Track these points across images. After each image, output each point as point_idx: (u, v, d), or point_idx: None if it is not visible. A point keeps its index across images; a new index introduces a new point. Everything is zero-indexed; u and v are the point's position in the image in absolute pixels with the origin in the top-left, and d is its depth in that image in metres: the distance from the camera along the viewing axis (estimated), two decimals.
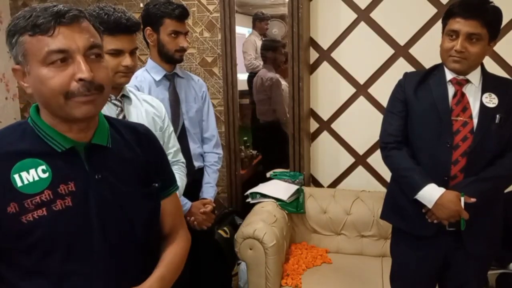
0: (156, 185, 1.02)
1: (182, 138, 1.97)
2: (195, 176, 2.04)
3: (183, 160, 1.78)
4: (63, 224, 0.86)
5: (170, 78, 1.98)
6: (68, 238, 0.87)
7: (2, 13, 3.14)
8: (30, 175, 0.85)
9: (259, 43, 3.64)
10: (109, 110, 1.52)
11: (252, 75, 3.61)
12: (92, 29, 0.90)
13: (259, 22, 3.61)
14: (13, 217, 0.83)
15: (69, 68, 0.85)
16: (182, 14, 1.89)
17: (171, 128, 1.73)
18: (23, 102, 3.29)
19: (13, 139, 0.88)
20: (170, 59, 1.94)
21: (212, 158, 2.12)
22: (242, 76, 3.29)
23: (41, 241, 0.84)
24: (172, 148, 1.72)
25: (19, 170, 0.85)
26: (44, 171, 0.86)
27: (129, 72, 1.49)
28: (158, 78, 1.94)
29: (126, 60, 1.45)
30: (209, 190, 2.07)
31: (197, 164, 2.06)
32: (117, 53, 1.44)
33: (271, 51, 3.35)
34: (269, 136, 3.29)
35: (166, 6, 1.88)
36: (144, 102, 1.64)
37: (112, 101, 1.54)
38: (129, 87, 1.92)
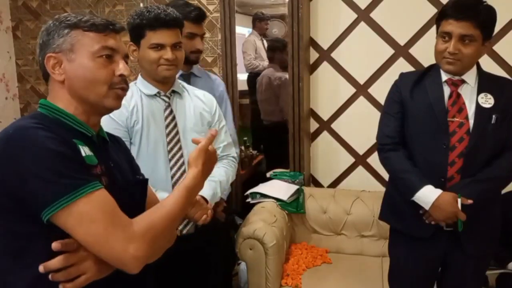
0: (140, 177, 1.16)
1: None
2: None
3: (234, 154, 1.80)
4: None
5: (186, 77, 2.02)
6: None
7: (2, 13, 3.14)
8: (85, 149, 0.94)
9: (258, 43, 3.64)
10: (157, 105, 1.59)
11: (252, 75, 3.60)
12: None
13: (259, 22, 3.61)
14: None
15: (111, 65, 1.00)
16: (197, 17, 1.91)
17: (223, 123, 1.76)
18: (23, 102, 3.30)
19: (49, 126, 0.91)
20: (185, 60, 1.97)
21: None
22: (242, 76, 3.30)
23: None
24: (222, 142, 1.74)
25: (79, 144, 0.93)
26: (90, 150, 0.95)
27: (172, 65, 1.55)
28: None
29: (167, 54, 1.52)
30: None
31: None
32: (158, 47, 1.52)
33: (278, 51, 3.36)
34: (273, 136, 3.28)
35: (183, 8, 1.90)
36: (195, 98, 1.68)
37: (161, 96, 1.60)
38: None
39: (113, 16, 2.96)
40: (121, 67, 1.01)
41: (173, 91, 1.63)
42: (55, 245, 0.86)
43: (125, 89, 1.03)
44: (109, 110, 1.04)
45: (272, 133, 3.32)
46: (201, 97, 1.71)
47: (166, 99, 1.60)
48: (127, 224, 0.88)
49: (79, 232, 0.85)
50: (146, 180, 1.16)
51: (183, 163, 1.58)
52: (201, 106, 1.67)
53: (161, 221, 0.93)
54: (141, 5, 2.90)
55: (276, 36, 3.70)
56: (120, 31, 1.04)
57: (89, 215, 0.84)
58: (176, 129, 1.59)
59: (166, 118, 1.59)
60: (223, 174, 1.70)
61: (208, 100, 1.73)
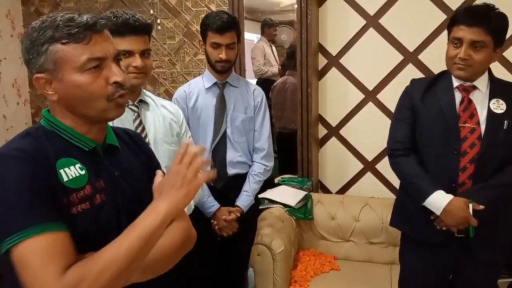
0: None
1: (221, 144, 2.02)
2: (228, 182, 2.04)
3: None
4: (103, 216, 0.92)
5: (221, 86, 2.04)
6: (106, 229, 0.91)
7: (15, 19, 3.20)
8: (72, 171, 0.90)
9: (267, 49, 3.65)
10: (126, 115, 1.53)
11: (260, 81, 3.60)
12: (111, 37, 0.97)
13: (267, 28, 3.62)
14: (66, 208, 0.87)
15: (103, 74, 0.92)
16: (220, 27, 1.91)
17: (189, 134, 1.74)
18: (34, 107, 3.34)
19: (41, 143, 0.90)
20: (213, 69, 2.01)
21: (257, 168, 2.10)
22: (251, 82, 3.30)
23: (84, 232, 0.88)
24: None
25: (62, 166, 0.89)
26: (81, 169, 0.91)
27: (141, 73, 1.49)
28: (208, 85, 2.03)
29: (136, 61, 1.45)
30: (243, 198, 2.06)
31: (233, 171, 2.05)
32: (126, 54, 1.45)
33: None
34: (287, 142, 3.24)
35: (211, 19, 1.92)
36: (162, 108, 1.65)
37: (130, 106, 1.55)
38: (179, 92, 2.01)
39: None
40: (114, 72, 0.92)
41: (141, 101, 1.57)
42: None
43: (124, 95, 0.94)
44: (112, 119, 0.98)
45: (287, 140, 3.29)
46: (168, 107, 1.66)
47: (135, 109, 1.54)
48: (58, 274, 0.79)
49: (20, 274, 0.81)
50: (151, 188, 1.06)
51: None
52: (169, 116, 1.63)
53: (98, 275, 0.80)
54: (151, 11, 2.93)
55: (285, 42, 3.70)
56: (103, 28, 0.93)
57: (25, 260, 0.79)
58: (146, 139, 1.51)
59: (136, 128, 1.51)
60: None
61: (175, 110, 1.69)
